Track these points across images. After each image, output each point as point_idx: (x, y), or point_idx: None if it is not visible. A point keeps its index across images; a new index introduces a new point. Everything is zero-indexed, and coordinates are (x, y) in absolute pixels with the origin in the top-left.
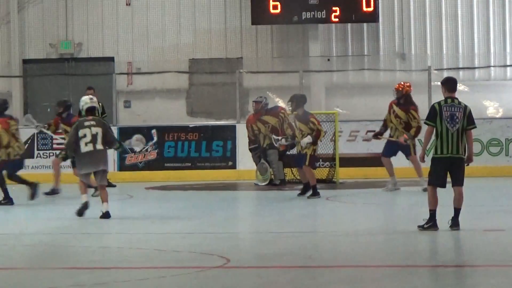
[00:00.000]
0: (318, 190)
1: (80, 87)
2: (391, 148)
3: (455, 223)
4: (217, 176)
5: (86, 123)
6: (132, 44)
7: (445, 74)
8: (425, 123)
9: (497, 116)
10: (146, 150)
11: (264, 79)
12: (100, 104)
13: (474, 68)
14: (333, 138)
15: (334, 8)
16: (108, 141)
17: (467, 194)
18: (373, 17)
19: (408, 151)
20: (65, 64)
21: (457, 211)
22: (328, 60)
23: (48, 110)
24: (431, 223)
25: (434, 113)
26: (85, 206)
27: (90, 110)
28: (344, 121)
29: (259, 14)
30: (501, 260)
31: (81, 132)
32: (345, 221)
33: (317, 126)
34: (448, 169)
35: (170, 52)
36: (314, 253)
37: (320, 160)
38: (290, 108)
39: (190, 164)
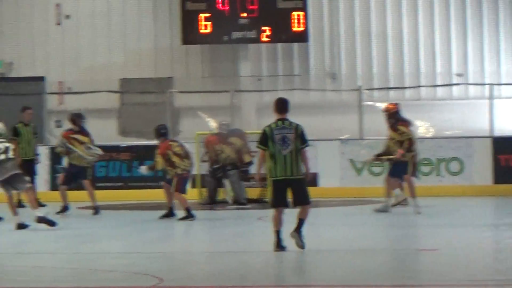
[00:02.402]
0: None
1: (10, 107)
2: (397, 169)
3: (299, 236)
4: (149, 195)
5: None
6: (63, 64)
7: (376, 93)
8: (257, 147)
9: (428, 136)
10: None
11: (195, 98)
12: (32, 124)
13: (404, 88)
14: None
15: (264, 28)
16: None
17: (398, 213)
18: (303, 37)
19: (405, 170)
20: None
21: (300, 222)
22: (259, 79)
23: None
24: (277, 243)
25: (265, 137)
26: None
27: None
28: None
29: (190, 34)
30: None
31: None
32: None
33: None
34: (287, 190)
35: (101, 72)
36: (245, 272)
37: (252, 179)
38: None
39: (122, 184)
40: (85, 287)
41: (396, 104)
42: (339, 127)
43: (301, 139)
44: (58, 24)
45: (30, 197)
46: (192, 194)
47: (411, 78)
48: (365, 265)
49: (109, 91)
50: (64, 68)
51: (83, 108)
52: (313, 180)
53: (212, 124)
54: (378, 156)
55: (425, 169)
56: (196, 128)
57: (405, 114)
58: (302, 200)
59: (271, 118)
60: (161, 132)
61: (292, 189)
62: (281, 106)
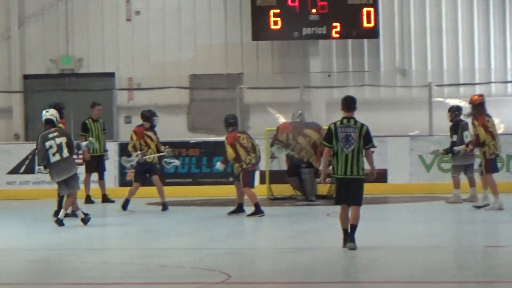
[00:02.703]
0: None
1: (80, 102)
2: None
3: (351, 239)
4: (218, 192)
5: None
6: (132, 60)
7: (446, 90)
8: (321, 144)
9: (499, 132)
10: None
11: (265, 95)
12: (101, 120)
13: (475, 84)
14: None
15: (334, 24)
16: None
17: (467, 210)
18: (373, 33)
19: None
20: (65, 79)
21: (353, 227)
22: (329, 76)
23: None
24: (344, 240)
25: (330, 134)
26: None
27: (49, 123)
28: None
29: (260, 30)
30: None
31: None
32: None
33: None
34: (346, 189)
35: (170, 68)
36: (314, 269)
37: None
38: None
39: (191, 180)
40: (154, 283)
41: (481, 95)
42: (409, 123)
43: (366, 139)
44: (128, 20)
45: (70, 200)
46: (261, 190)
47: (481, 74)
48: (431, 262)
49: (178, 87)
50: (134, 64)
51: (152, 104)
52: (382, 176)
53: (282, 120)
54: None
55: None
56: (266, 125)
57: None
58: (354, 201)
59: (340, 114)
60: (230, 122)
61: (348, 188)
62: (348, 104)
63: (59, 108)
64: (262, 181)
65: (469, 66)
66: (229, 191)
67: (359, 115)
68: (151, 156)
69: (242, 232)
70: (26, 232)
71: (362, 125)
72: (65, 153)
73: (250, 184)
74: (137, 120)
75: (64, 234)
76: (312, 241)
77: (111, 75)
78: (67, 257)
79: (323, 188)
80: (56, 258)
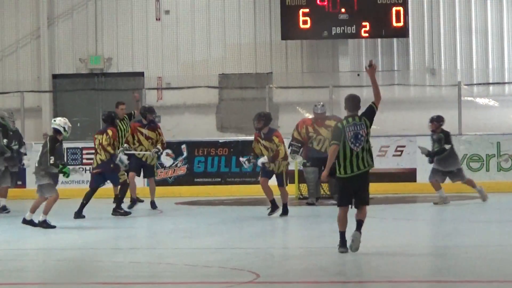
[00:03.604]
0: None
1: (110, 102)
2: None
3: (358, 230)
4: (247, 191)
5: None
6: (162, 59)
7: (475, 89)
8: (331, 143)
9: None
10: (176, 165)
11: (294, 94)
12: (134, 112)
13: (504, 83)
14: None
15: (364, 23)
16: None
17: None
18: (403, 32)
19: None
20: (94, 79)
21: (360, 223)
22: (358, 75)
23: (78, 125)
24: (340, 243)
25: (339, 133)
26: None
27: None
28: (374, 136)
29: (289, 29)
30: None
31: None
32: (374, 236)
33: (279, 145)
34: (354, 187)
35: (200, 67)
36: (343, 268)
37: None
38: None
39: (220, 179)
40: (182, 282)
41: None
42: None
43: (371, 117)
44: (158, 19)
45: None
46: (290, 190)
47: (511, 74)
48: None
49: (208, 87)
50: (163, 64)
51: (181, 103)
52: (411, 175)
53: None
54: None
55: None
56: (295, 124)
57: (505, 109)
58: (362, 200)
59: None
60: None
61: (356, 185)
62: (355, 103)
63: (111, 117)
64: (291, 181)
65: (498, 65)
66: (258, 190)
67: (390, 115)
68: (140, 153)
69: (271, 232)
70: (54, 231)
71: (363, 118)
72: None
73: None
74: (167, 120)
75: (93, 233)
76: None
77: (141, 74)
78: (96, 257)
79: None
80: (85, 257)
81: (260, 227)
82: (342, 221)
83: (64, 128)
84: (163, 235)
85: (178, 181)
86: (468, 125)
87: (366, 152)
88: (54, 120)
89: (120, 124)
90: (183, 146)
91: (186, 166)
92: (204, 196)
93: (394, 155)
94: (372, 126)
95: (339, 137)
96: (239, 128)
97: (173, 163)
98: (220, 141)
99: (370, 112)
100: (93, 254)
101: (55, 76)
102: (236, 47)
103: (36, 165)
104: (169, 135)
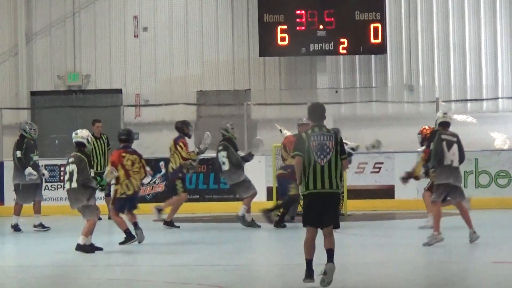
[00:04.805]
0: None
1: (88, 119)
2: None
3: (330, 261)
4: (225, 208)
5: (69, 160)
6: (140, 76)
7: (453, 105)
8: (293, 155)
9: (505, 147)
10: (154, 182)
11: (272, 111)
12: (104, 136)
13: (482, 100)
14: None
15: (342, 40)
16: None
17: (478, 225)
18: (381, 49)
19: None
20: (73, 96)
21: (331, 252)
22: (336, 92)
23: (56, 142)
24: (306, 274)
25: (301, 143)
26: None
27: (78, 145)
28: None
29: (267, 46)
30: None
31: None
32: (353, 252)
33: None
34: (322, 205)
35: (178, 84)
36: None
37: None
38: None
39: (198, 196)
40: None
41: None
42: (417, 139)
43: (342, 148)
44: (136, 36)
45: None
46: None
47: (489, 90)
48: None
49: (186, 104)
50: (141, 80)
51: (159, 120)
52: (389, 192)
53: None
54: None
55: (502, 181)
56: (273, 141)
57: (483, 126)
58: (331, 221)
59: (349, 130)
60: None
61: (324, 205)
62: (320, 112)
63: (181, 128)
64: (269, 198)
65: (476, 82)
66: (236, 207)
67: (368, 131)
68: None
69: (250, 249)
70: (33, 249)
71: (335, 132)
72: (74, 183)
73: None
74: (145, 137)
75: (71, 251)
76: (321, 257)
77: (119, 91)
78: (74, 274)
79: None
80: (63, 274)
81: (239, 244)
82: (309, 247)
83: (87, 140)
84: (140, 252)
85: (156, 198)
86: None
87: (335, 171)
88: (76, 133)
89: (95, 142)
90: (161, 163)
91: (164, 183)
92: (183, 213)
93: (372, 172)
94: (350, 143)
95: (302, 147)
96: (217, 145)
97: (151, 180)
98: (198, 158)
99: (343, 145)
100: (71, 271)
101: (33, 93)
102: (214, 64)
103: (73, 186)
104: (148, 152)
